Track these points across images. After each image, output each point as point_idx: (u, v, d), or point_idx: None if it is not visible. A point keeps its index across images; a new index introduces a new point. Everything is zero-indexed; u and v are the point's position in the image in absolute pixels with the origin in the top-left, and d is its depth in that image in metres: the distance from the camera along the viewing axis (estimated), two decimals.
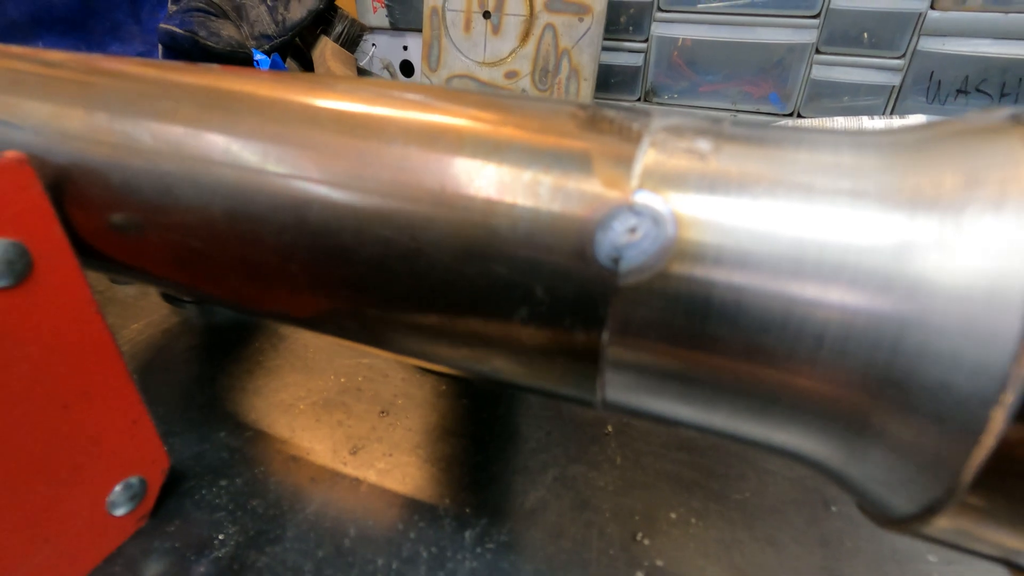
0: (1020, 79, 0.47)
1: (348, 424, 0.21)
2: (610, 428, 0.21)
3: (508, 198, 0.10)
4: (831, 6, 0.51)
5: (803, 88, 0.55)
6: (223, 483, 0.18)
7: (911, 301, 0.07)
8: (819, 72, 0.54)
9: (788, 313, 0.08)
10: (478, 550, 0.16)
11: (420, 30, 0.72)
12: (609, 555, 0.16)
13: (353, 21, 0.69)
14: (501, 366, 0.11)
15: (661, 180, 0.09)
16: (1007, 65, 0.47)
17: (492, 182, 0.10)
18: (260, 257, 0.12)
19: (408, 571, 0.16)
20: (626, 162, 0.09)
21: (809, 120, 0.50)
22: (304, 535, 0.17)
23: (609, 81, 0.62)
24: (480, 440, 0.20)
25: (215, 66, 0.14)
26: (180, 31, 0.62)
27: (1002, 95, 0.48)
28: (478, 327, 0.11)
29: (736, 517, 0.18)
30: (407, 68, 0.78)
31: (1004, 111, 0.08)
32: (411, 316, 0.11)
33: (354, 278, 0.11)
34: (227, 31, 0.64)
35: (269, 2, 0.68)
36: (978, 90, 0.49)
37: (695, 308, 0.09)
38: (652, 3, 0.57)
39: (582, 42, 0.57)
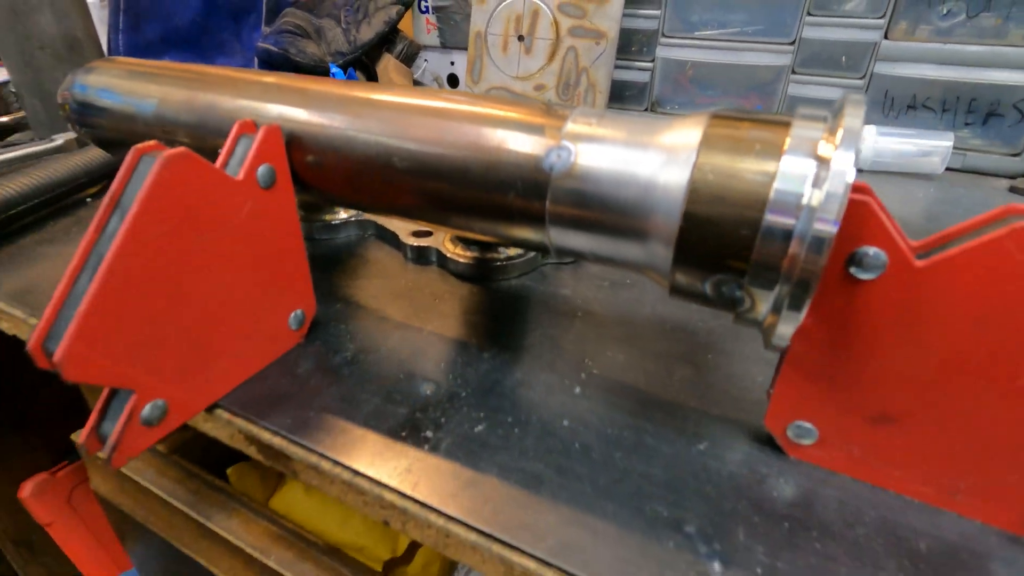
0: (958, 97, 0.57)
1: (414, 304, 0.33)
2: (579, 314, 0.33)
3: (508, 145, 0.22)
4: (803, 36, 0.61)
5: (783, 103, 0.65)
6: (342, 326, 0.31)
7: (655, 190, 0.19)
8: (795, 89, 0.64)
9: (615, 195, 0.20)
10: (491, 361, 0.29)
11: (465, 48, 0.85)
12: (567, 365, 0.28)
13: (411, 41, 0.83)
14: (504, 229, 0.23)
15: (573, 136, 0.21)
16: (948, 86, 0.57)
17: (501, 138, 0.22)
18: (391, 177, 0.24)
19: (450, 368, 0.28)
20: (559, 128, 0.21)
21: None
22: (393, 349, 0.29)
23: (622, 94, 0.73)
24: (496, 317, 0.33)
25: (367, 83, 0.26)
26: (275, 49, 0.77)
27: (943, 110, 0.58)
28: (494, 206, 0.23)
29: (649, 355, 0.29)
30: (452, 80, 0.91)
31: (711, 110, 0.20)
32: (461, 203, 0.23)
33: (436, 185, 0.24)
34: (310, 49, 0.79)
35: (343, 25, 0.82)
36: (924, 106, 0.58)
37: (581, 192, 0.21)
38: (657, 30, 0.69)
39: (598, 61, 0.69)
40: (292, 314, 0.29)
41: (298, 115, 0.26)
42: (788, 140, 0.18)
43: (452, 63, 0.90)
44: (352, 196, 0.26)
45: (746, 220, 0.18)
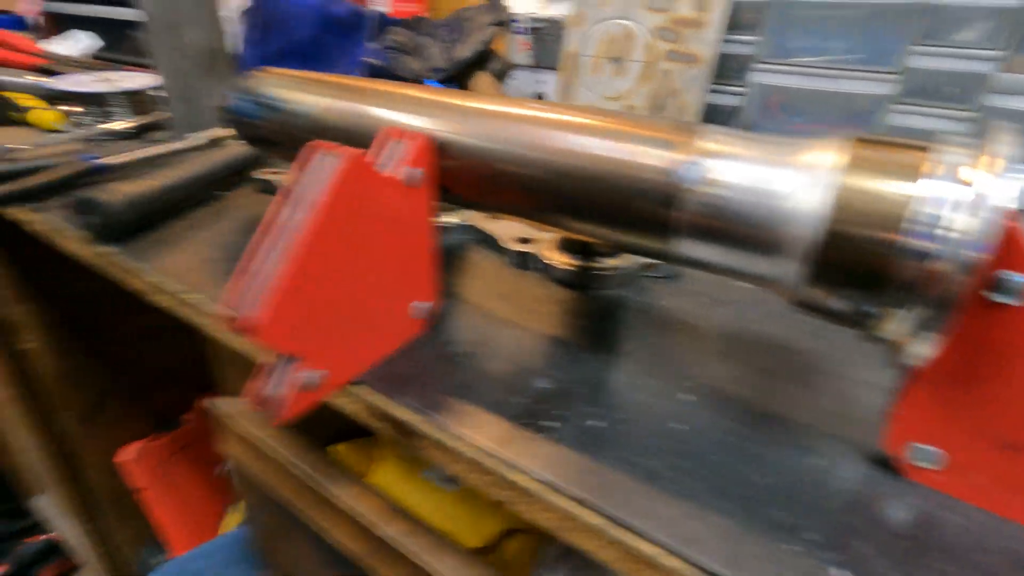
0: None
1: (518, 305, 0.35)
2: (679, 326, 0.34)
3: (641, 158, 0.24)
4: (909, 65, 0.60)
5: (884, 133, 0.64)
6: (455, 321, 0.33)
7: (792, 208, 0.20)
8: (897, 120, 0.63)
9: (747, 211, 0.21)
10: (597, 364, 0.30)
11: (555, 68, 0.88)
12: (670, 372, 0.29)
13: (504, 60, 0.86)
14: (630, 237, 0.25)
15: (705, 152, 0.23)
16: None
17: (634, 151, 0.24)
18: (526, 184, 0.26)
19: (559, 366, 0.30)
20: (691, 144, 0.23)
21: None
22: (503, 344, 0.31)
23: (713, 118, 0.74)
24: (598, 322, 0.34)
25: (505, 97, 0.29)
26: (379, 63, 0.82)
27: None
28: (623, 215, 0.24)
29: (752, 370, 0.30)
30: (539, 97, 0.94)
31: (853, 133, 0.21)
32: (592, 212, 0.25)
33: (569, 194, 0.25)
34: (411, 64, 0.84)
35: (441, 44, 0.87)
36: None
37: (713, 206, 0.22)
38: (753, 55, 0.69)
39: (691, 85, 0.70)
40: (418, 305, 0.31)
41: (443, 125, 0.29)
42: (933, 164, 0.19)
43: (542, 82, 0.93)
44: (485, 199, 0.29)
45: (887, 241, 0.19)
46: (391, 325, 0.30)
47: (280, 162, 0.40)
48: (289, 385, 0.24)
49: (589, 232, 0.27)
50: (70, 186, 0.49)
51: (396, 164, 0.27)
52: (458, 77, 0.85)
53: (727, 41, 0.69)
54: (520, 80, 0.94)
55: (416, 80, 0.82)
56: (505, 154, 0.27)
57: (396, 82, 0.33)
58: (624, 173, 0.24)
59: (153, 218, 0.44)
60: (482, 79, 0.83)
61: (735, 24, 0.68)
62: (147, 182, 0.44)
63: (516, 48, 0.91)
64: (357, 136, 0.31)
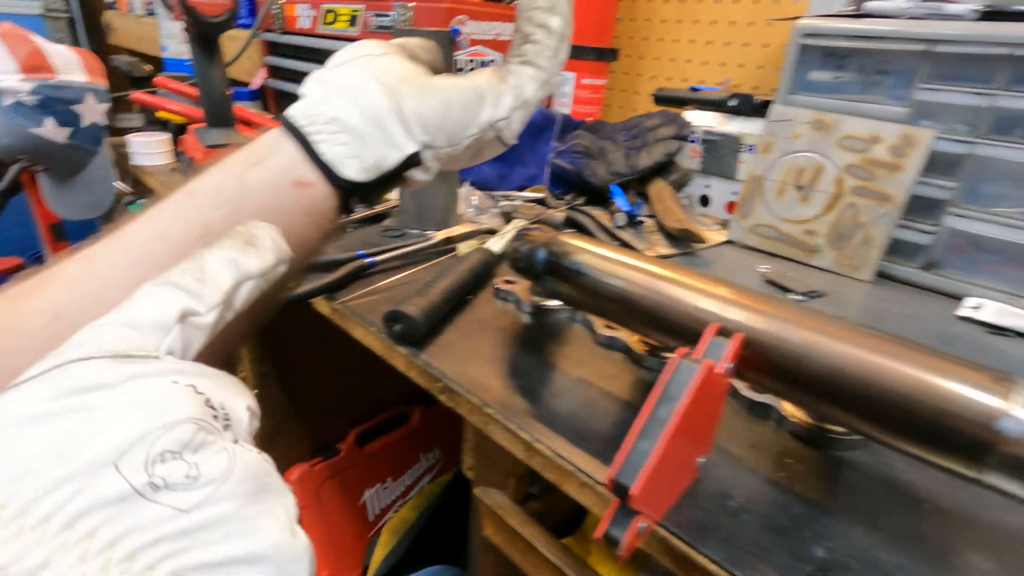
0: None
1: (770, 458, 0.41)
2: (925, 504, 0.37)
3: (965, 401, 0.29)
4: None
5: None
6: (722, 471, 0.39)
7: None
8: None
9: None
10: (860, 534, 0.34)
11: (721, 175, 0.94)
12: (933, 556, 0.33)
13: (684, 170, 0.94)
14: (929, 456, 0.30)
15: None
16: None
17: (953, 389, 0.29)
18: (816, 386, 0.32)
19: (829, 534, 0.34)
20: (1012, 394, 0.28)
21: None
22: (769, 500, 0.36)
23: (898, 252, 0.76)
24: (848, 489, 0.38)
25: (792, 305, 0.35)
26: (568, 166, 0.92)
27: None
28: (929, 441, 0.29)
29: (1013, 568, 0.33)
30: (704, 200, 1.00)
31: None
32: (894, 429, 0.30)
33: (877, 409, 0.31)
34: (595, 168, 0.93)
35: (625, 151, 0.96)
36: None
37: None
38: (947, 199, 0.71)
39: (879, 220, 0.73)
40: (700, 457, 0.37)
41: (752, 324, 0.35)
42: None
43: (708, 186, 0.99)
44: (774, 386, 0.35)
45: None
46: (684, 477, 0.36)
47: (518, 277, 0.49)
48: (629, 531, 0.31)
49: (885, 441, 0.32)
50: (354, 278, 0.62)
51: (720, 361, 0.34)
52: (638, 183, 0.93)
53: (922, 183, 0.72)
54: (691, 184, 1.01)
55: (602, 184, 0.91)
56: (814, 362, 0.33)
57: (685, 270, 0.40)
58: (942, 408, 0.29)
59: (434, 323, 0.54)
60: (660, 187, 0.91)
61: (931, 166, 0.71)
62: (433, 292, 0.54)
63: (687, 154, 0.98)
64: (664, 320, 0.38)
